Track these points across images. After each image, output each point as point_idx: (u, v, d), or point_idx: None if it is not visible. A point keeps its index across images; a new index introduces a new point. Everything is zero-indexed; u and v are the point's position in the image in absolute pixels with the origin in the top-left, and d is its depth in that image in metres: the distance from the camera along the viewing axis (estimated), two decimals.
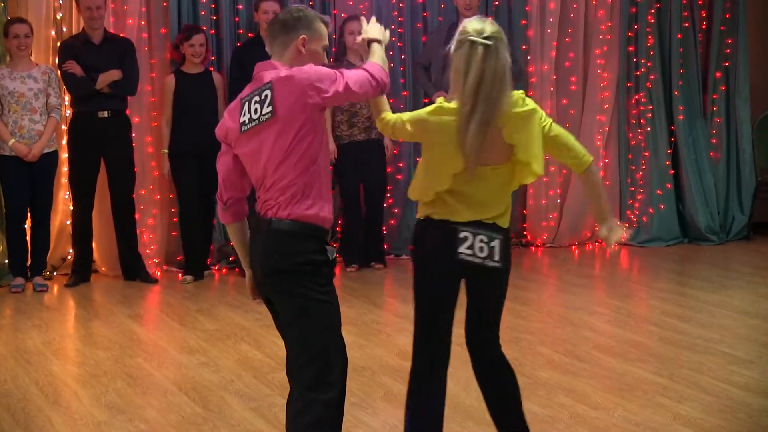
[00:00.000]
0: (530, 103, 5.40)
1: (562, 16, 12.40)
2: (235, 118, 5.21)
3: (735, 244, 12.68)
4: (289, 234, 5.08)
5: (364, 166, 11.38)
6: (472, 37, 5.34)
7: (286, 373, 5.13)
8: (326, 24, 5.45)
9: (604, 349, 8.38)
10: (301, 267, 5.03)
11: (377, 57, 5.37)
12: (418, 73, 11.65)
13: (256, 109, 5.12)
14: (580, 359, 8.08)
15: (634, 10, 12.58)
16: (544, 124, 5.40)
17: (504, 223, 5.49)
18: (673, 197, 12.73)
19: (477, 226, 5.43)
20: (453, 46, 5.44)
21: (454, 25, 11.40)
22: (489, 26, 5.39)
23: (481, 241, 5.42)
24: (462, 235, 5.41)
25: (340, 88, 5.11)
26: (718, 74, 12.81)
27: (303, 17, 5.36)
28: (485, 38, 5.30)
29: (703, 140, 12.80)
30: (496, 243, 5.43)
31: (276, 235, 5.10)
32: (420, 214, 5.54)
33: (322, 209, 5.10)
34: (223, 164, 5.29)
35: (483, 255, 5.42)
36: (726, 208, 12.90)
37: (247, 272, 5.38)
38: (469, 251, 5.43)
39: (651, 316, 9.48)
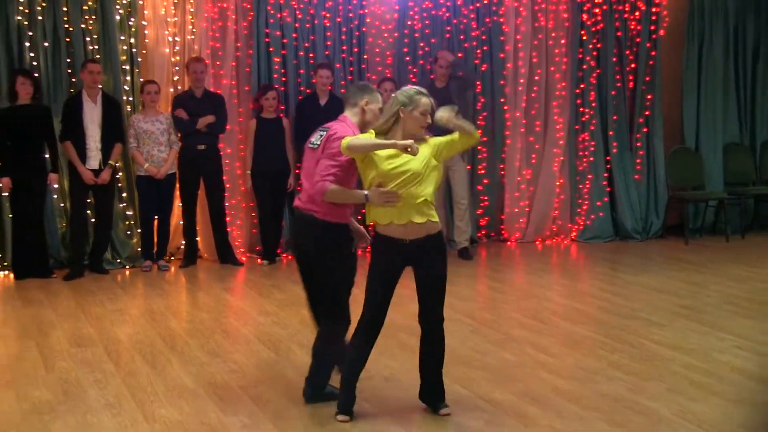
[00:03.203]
0: None
1: (529, 78, 12.42)
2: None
3: (652, 240, 12.65)
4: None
5: None
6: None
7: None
8: (381, 94, 5.71)
9: (559, 314, 8.41)
10: None
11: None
12: None
13: (316, 138, 5.74)
14: (542, 321, 8.13)
15: (581, 74, 12.60)
16: None
17: None
18: (609, 207, 12.73)
19: None
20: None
21: (431, 84, 11.54)
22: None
23: None
24: None
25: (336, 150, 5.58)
26: (641, 120, 12.79)
27: (366, 86, 5.60)
28: None
29: (630, 167, 12.79)
30: None
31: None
32: None
33: None
34: None
35: None
36: (646, 215, 12.87)
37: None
38: None
39: (592, 292, 9.49)
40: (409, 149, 5.26)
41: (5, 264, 10.49)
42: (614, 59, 12.66)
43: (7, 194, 10.25)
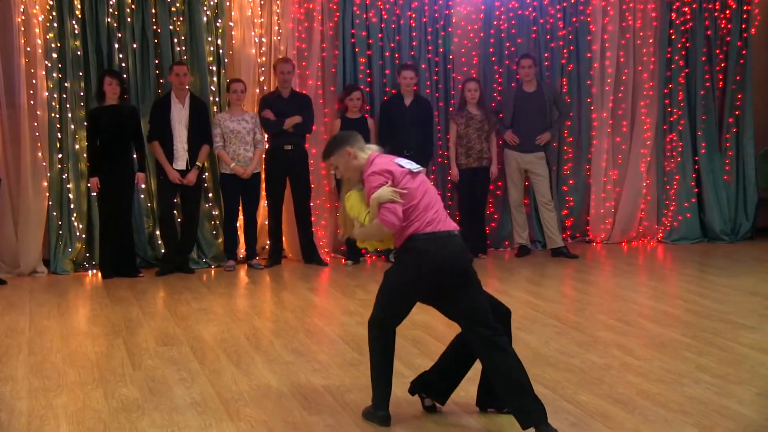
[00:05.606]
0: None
1: (616, 78, 12.31)
2: (397, 167, 5.57)
3: (742, 243, 12.44)
4: None
5: (474, 186, 11.43)
6: None
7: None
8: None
9: (645, 316, 8.30)
10: None
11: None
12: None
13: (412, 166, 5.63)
14: (628, 324, 8.01)
15: (669, 73, 12.44)
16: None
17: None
18: (697, 208, 12.55)
19: None
20: None
21: (519, 88, 11.50)
22: None
23: None
24: None
25: None
26: (730, 120, 12.58)
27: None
28: None
29: (719, 167, 12.59)
30: None
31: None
32: None
33: None
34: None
35: None
36: (735, 216, 12.66)
37: None
38: None
39: (679, 294, 9.36)
40: None
41: (94, 263, 10.68)
42: (704, 58, 12.47)
43: (95, 194, 10.43)
